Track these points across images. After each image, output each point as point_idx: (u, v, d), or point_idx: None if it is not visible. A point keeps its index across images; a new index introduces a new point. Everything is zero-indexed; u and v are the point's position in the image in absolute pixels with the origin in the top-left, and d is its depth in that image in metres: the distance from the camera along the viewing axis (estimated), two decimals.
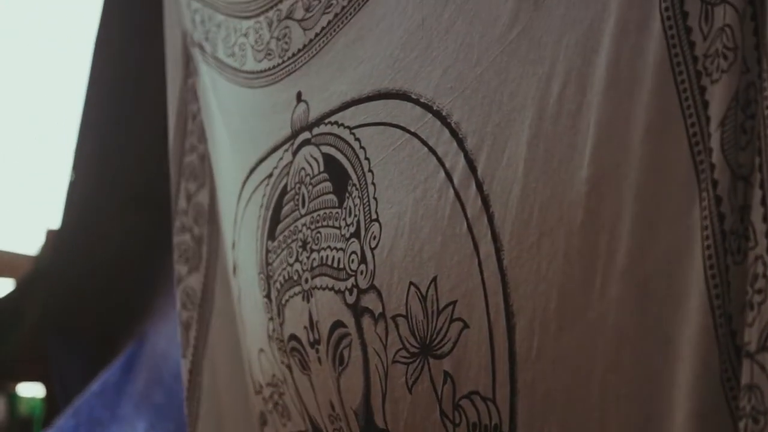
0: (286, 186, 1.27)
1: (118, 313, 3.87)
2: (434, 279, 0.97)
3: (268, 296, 1.32)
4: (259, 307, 1.37)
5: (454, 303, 0.95)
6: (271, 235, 1.31)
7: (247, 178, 1.41)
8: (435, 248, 0.97)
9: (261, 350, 1.40)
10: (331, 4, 1.17)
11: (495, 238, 0.90)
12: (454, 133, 0.96)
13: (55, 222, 3.68)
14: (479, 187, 0.92)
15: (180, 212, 1.68)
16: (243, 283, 1.46)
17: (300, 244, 1.21)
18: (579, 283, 0.83)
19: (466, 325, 0.94)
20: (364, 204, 1.08)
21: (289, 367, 1.29)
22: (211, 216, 1.64)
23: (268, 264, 1.32)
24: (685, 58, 0.75)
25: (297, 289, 1.22)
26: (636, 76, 0.78)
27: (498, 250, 0.90)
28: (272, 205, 1.31)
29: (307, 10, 1.22)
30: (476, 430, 0.95)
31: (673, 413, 0.75)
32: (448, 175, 0.96)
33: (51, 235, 3.70)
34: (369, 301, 1.07)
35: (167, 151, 1.92)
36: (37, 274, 3.86)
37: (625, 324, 0.79)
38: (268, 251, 1.32)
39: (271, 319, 1.32)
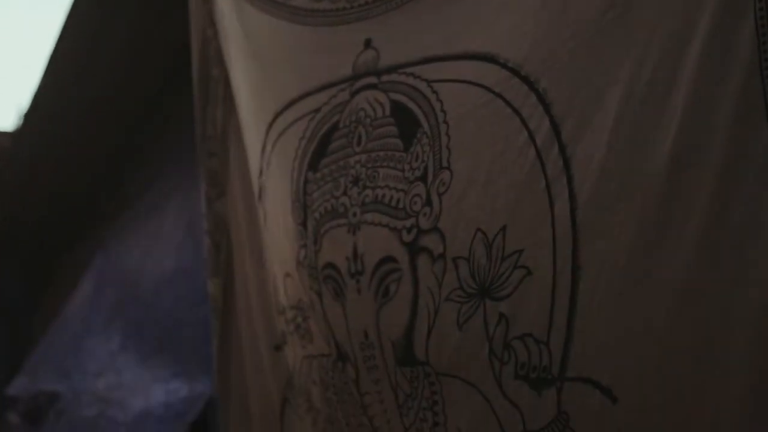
0: (338, 123, 1.34)
1: (63, 229, 3.83)
2: (503, 228, 1.06)
3: (303, 224, 1.39)
4: (289, 234, 1.44)
5: (520, 251, 1.04)
6: (313, 167, 1.37)
7: (285, 108, 1.47)
8: (509, 201, 1.06)
9: (287, 275, 1.47)
10: None
11: (572, 197, 0.99)
12: (540, 99, 1.04)
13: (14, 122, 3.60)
14: (562, 150, 1.01)
15: (207, 138, 1.73)
16: (270, 208, 1.53)
17: (351, 179, 1.28)
18: (649, 247, 0.92)
19: (529, 273, 1.03)
20: (434, 152, 1.16)
21: (319, 293, 1.37)
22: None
23: (306, 194, 1.39)
24: None
25: (342, 221, 1.30)
26: (726, 69, 0.87)
27: (573, 209, 0.99)
28: (317, 139, 1.38)
29: None
30: (524, 369, 1.05)
31: (728, 375, 0.85)
32: (531, 136, 1.04)
33: (6, 138, 3.63)
34: (429, 241, 1.15)
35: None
36: None
37: (690, 288, 0.89)
38: (307, 181, 1.39)
39: (304, 246, 1.39)
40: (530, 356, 1.04)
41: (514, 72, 1.07)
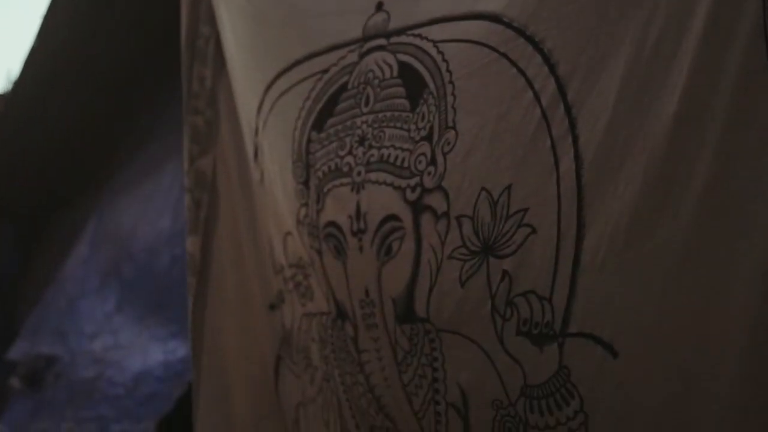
0: (346, 84, 1.35)
1: (55, 192, 3.83)
2: (508, 187, 1.08)
3: (305, 183, 1.41)
4: (289, 193, 1.46)
5: (525, 210, 1.06)
6: (318, 127, 1.38)
7: (289, 69, 1.47)
8: (514, 160, 1.07)
9: (288, 233, 1.48)
10: None
11: (577, 157, 1.01)
12: (546, 59, 1.05)
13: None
14: (568, 110, 1.02)
15: (192, 95, 1.74)
16: (268, 168, 1.54)
17: (357, 139, 1.30)
18: (653, 205, 0.94)
19: (534, 231, 1.05)
20: (440, 112, 1.17)
21: (319, 252, 1.39)
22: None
23: (309, 153, 1.40)
24: None
25: (346, 180, 1.31)
26: (731, 32, 0.89)
27: (578, 168, 1.01)
28: (324, 99, 1.39)
29: None
30: (526, 326, 1.07)
31: (729, 330, 0.88)
32: (536, 96, 1.05)
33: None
34: (433, 200, 1.17)
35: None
36: None
37: (693, 245, 0.91)
38: (310, 141, 1.40)
39: (305, 205, 1.41)
40: (533, 313, 1.06)
41: (519, 32, 1.08)
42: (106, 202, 3.50)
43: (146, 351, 2.72)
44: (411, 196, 1.20)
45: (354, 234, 1.29)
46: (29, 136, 3.56)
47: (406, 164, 1.21)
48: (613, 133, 0.98)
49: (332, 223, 1.35)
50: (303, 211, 1.42)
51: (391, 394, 1.29)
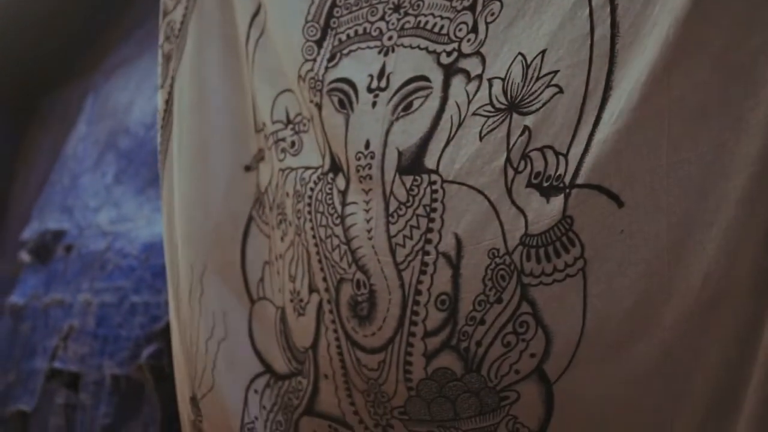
0: None
1: (48, 73, 3.79)
2: (543, 51, 1.15)
3: (317, 42, 1.47)
4: (293, 49, 1.51)
5: (555, 72, 1.13)
6: None
7: None
8: (552, 27, 1.15)
9: (285, 91, 1.55)
10: None
11: (613, 25, 1.08)
12: None
13: None
14: None
15: None
16: (272, 27, 1.59)
17: (391, 6, 1.37)
18: (669, 66, 0.99)
19: (561, 91, 1.12)
20: None
21: (318, 105, 1.44)
22: None
23: (331, 16, 1.46)
24: None
25: (374, 43, 1.38)
26: None
27: (613, 36, 1.08)
28: None
29: None
30: (538, 178, 1.13)
31: (729, 181, 0.95)
32: None
33: None
34: (468, 64, 1.24)
35: None
36: None
37: (705, 102, 0.98)
38: (335, 5, 1.46)
39: (312, 60, 1.47)
40: (546, 166, 1.12)
41: None
42: (102, 80, 3.48)
43: (152, 222, 2.70)
44: (446, 59, 1.27)
45: (370, 91, 1.35)
46: (15, 16, 3.50)
47: (444, 31, 1.28)
48: (651, 3, 1.05)
49: (344, 80, 1.40)
50: (307, 66, 1.47)
51: (372, 246, 1.33)
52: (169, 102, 1.80)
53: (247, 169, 1.67)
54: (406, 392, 1.30)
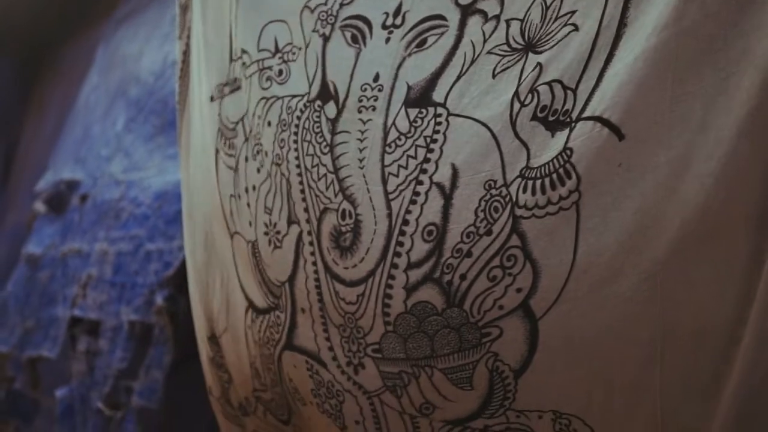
0: None
1: (56, 27, 3.79)
2: None
3: None
4: None
5: (573, 12, 1.14)
6: None
7: None
8: None
9: (274, 21, 1.55)
10: None
11: None
12: None
13: None
14: None
15: None
16: None
17: None
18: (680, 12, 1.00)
19: (575, 29, 1.13)
20: None
21: (324, 37, 1.44)
22: None
23: None
24: None
25: None
26: None
27: None
28: None
29: None
30: (544, 112, 1.13)
31: (730, 115, 0.94)
32: None
33: None
34: (487, 5, 1.25)
35: None
36: None
37: (710, 48, 0.98)
38: None
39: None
40: (554, 100, 1.12)
41: None
42: (112, 30, 3.49)
43: (163, 171, 2.71)
44: (464, 0, 1.28)
45: (385, 27, 1.35)
46: None
47: None
48: None
49: (359, 17, 1.40)
50: (319, 0, 1.48)
51: (363, 175, 1.32)
52: (186, 53, 1.80)
53: (211, 99, 1.67)
54: (383, 327, 1.28)
